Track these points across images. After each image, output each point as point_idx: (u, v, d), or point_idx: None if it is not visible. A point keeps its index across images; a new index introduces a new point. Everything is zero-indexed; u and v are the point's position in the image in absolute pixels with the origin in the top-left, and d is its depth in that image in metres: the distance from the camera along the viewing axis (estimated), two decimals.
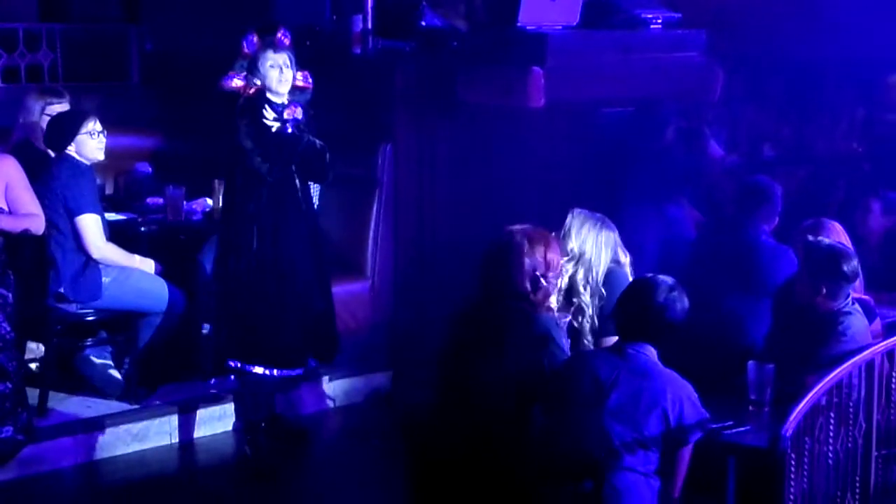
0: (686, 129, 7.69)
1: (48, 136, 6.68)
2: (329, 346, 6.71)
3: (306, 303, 6.50)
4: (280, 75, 6.37)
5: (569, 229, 5.58)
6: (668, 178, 7.41)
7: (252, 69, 6.38)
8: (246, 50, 6.41)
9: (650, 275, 4.89)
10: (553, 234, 5.37)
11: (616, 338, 5.01)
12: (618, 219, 5.75)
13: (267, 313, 6.39)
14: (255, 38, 6.41)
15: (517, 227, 5.17)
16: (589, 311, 5.56)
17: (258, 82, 6.36)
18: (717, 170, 7.62)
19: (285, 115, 6.38)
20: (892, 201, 7.29)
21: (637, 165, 7.33)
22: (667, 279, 4.75)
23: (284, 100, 6.41)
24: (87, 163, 6.61)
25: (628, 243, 5.69)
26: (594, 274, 5.56)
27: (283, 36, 6.46)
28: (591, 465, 4.56)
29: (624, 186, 7.14)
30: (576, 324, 5.55)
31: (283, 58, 6.39)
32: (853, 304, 5.46)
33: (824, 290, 5.40)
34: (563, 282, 5.55)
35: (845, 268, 5.39)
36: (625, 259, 5.64)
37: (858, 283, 5.72)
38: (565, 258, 5.55)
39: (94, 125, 6.61)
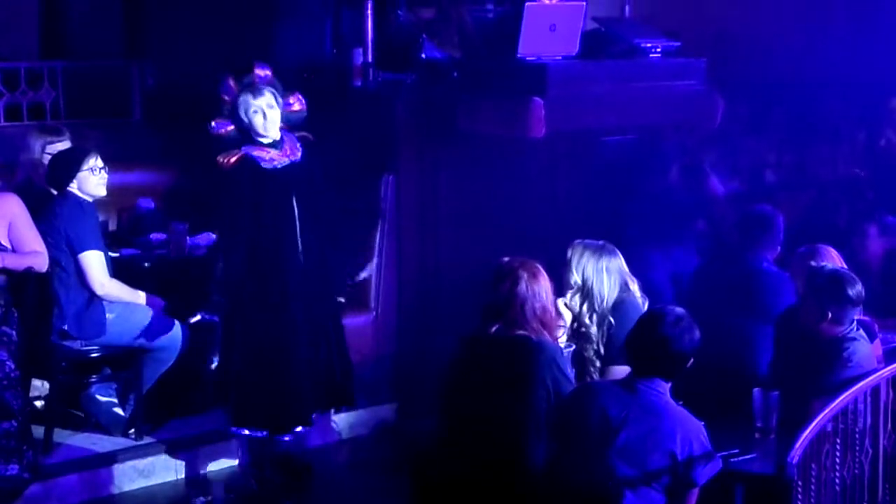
0: (688, 166, 7.67)
1: (50, 175, 6.68)
2: (340, 395, 6.64)
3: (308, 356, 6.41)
4: (265, 121, 6.18)
5: (569, 261, 5.56)
6: (671, 217, 7.38)
7: (235, 116, 6.21)
8: (225, 97, 6.24)
9: (659, 306, 4.86)
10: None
11: (622, 368, 5.00)
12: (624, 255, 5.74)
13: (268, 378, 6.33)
14: (233, 83, 6.24)
15: (509, 258, 5.18)
16: (596, 341, 5.54)
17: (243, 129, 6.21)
18: (719, 206, 7.56)
19: (276, 162, 6.24)
20: (889, 224, 7.28)
21: (640, 205, 7.32)
22: (676, 310, 4.69)
23: (276, 136, 6.27)
24: (90, 199, 6.62)
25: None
26: (599, 301, 5.54)
27: (260, 74, 6.25)
28: (595, 501, 4.53)
29: (627, 223, 7.12)
30: (584, 353, 5.54)
31: (265, 101, 6.16)
32: (858, 329, 5.46)
33: (830, 315, 5.39)
34: (568, 315, 5.56)
35: (850, 292, 5.39)
36: (633, 286, 5.62)
37: None
38: (570, 292, 5.54)
39: (95, 161, 6.62)
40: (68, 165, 6.60)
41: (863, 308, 5.60)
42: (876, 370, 5.22)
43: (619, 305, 5.53)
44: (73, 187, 6.56)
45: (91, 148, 6.81)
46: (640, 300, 5.59)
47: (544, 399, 4.92)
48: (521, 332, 5.02)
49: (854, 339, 5.39)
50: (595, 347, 5.55)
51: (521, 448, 4.90)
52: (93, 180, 6.60)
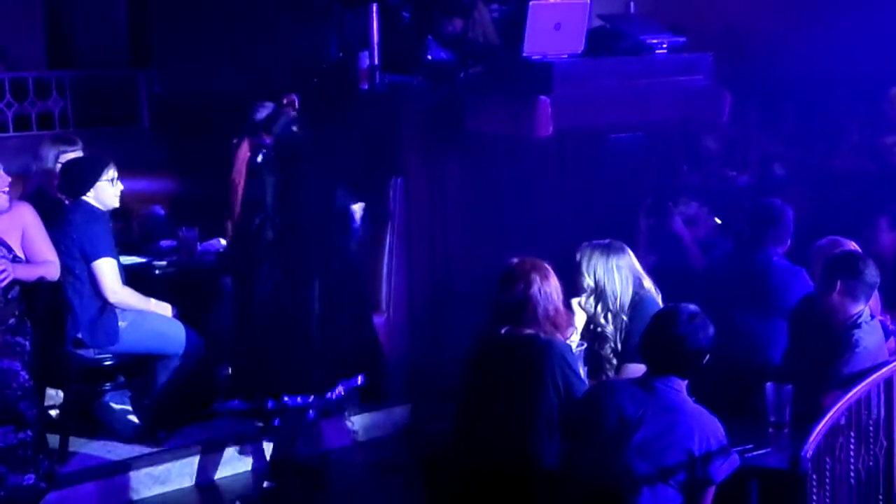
0: (652, 206, 7.57)
1: (65, 183, 6.69)
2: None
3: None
4: None
5: (579, 264, 5.55)
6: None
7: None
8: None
9: (672, 304, 4.84)
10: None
11: (637, 366, 5.00)
12: None
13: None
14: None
15: (519, 259, 5.18)
16: (612, 339, 5.54)
17: None
18: (684, 246, 7.43)
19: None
20: None
21: None
22: (689, 307, 4.67)
23: None
24: (104, 209, 6.63)
25: None
26: (613, 301, 5.52)
27: None
28: (611, 499, 4.53)
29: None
30: (601, 352, 5.54)
31: None
32: (871, 318, 5.44)
33: (839, 286, 5.37)
34: (582, 316, 5.55)
35: (862, 266, 5.38)
36: (647, 282, 5.61)
37: (876, 303, 5.70)
38: (584, 294, 5.53)
39: (113, 172, 6.63)
40: (87, 174, 6.60)
41: (879, 304, 5.58)
42: (888, 362, 5.21)
43: (637, 303, 5.52)
44: (90, 196, 6.57)
45: (109, 158, 6.81)
46: (656, 295, 5.59)
47: (555, 397, 4.93)
48: (530, 331, 5.02)
49: (861, 326, 5.36)
50: (612, 345, 5.54)
51: (533, 446, 4.91)
52: (110, 191, 6.61)
